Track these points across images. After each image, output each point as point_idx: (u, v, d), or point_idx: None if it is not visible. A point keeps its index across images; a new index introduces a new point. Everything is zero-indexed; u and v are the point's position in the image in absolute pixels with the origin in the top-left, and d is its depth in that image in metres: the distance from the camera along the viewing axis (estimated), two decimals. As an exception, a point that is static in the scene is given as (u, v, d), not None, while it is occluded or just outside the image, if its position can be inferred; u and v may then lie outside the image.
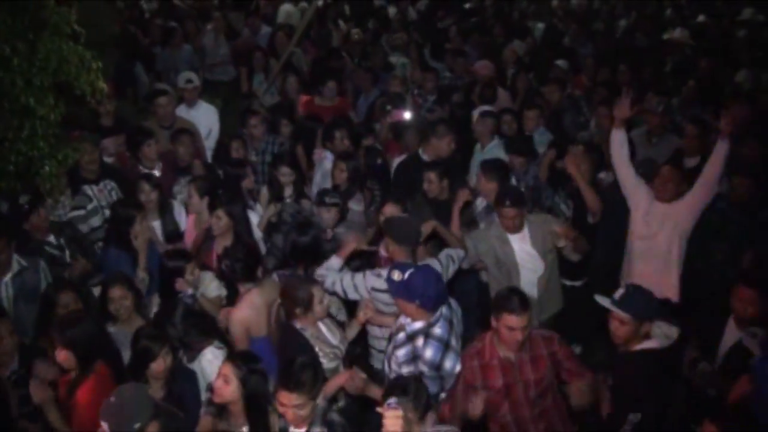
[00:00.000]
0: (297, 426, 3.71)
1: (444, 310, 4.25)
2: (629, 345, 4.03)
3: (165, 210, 6.03)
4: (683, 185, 5.50)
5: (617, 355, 4.14)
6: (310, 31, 11.02)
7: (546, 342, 4.16)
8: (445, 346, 4.15)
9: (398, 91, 8.52)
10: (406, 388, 3.59)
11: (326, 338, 4.50)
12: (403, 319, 4.29)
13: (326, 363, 4.31)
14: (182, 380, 4.23)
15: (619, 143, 5.60)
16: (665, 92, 7.97)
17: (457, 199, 5.47)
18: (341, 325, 4.79)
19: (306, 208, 6.04)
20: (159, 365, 4.01)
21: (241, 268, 4.80)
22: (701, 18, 13.03)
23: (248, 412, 3.74)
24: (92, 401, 3.82)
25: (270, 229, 5.84)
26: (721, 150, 5.23)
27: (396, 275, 4.14)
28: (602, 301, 4.04)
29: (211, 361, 4.36)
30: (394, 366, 4.22)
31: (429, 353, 4.09)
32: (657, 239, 5.46)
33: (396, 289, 4.14)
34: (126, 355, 4.31)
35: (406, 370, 4.12)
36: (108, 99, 6.63)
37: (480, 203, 6.02)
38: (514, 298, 4.00)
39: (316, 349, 4.37)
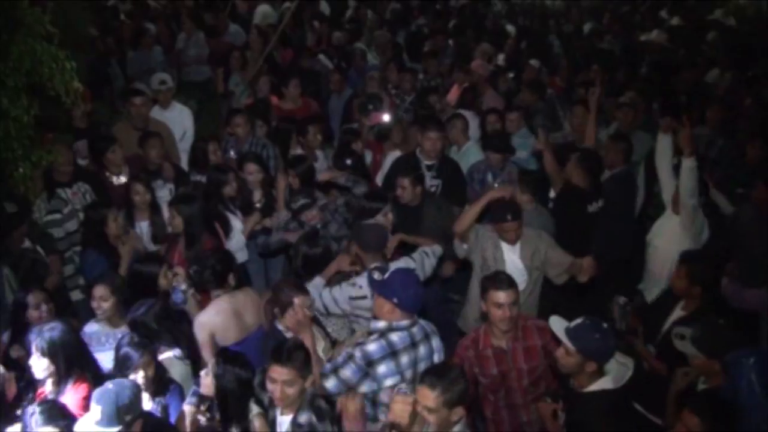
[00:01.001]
0: (285, 410, 3.74)
1: (415, 329, 4.13)
2: (579, 380, 3.83)
3: (154, 211, 5.99)
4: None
5: (572, 394, 3.91)
6: (287, 32, 10.98)
7: (540, 332, 4.25)
8: (392, 353, 4.01)
9: (375, 92, 8.51)
10: (443, 372, 3.45)
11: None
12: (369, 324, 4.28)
13: None
14: (170, 394, 4.20)
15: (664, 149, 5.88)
16: (647, 94, 8.11)
17: (484, 197, 5.44)
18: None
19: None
20: (142, 376, 3.98)
21: (209, 274, 4.73)
22: (675, 20, 13.19)
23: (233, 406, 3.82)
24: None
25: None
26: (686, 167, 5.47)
27: (377, 275, 4.14)
28: (554, 325, 3.87)
29: (176, 361, 4.40)
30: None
31: (371, 347, 3.99)
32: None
33: (376, 287, 4.11)
34: (106, 356, 4.35)
35: (345, 350, 4.09)
36: (82, 100, 6.56)
37: None
38: (500, 276, 4.24)
39: None
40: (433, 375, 3.41)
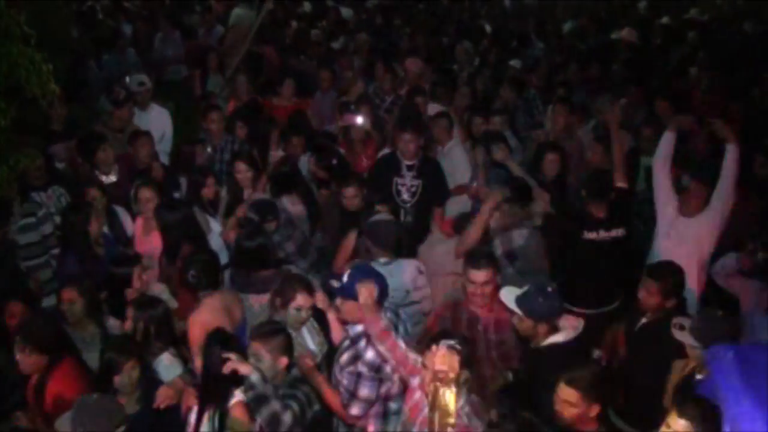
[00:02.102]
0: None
1: (389, 315, 4.23)
2: (536, 340, 4.17)
3: (112, 216, 5.97)
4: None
5: (526, 350, 4.31)
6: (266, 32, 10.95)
7: None
8: None
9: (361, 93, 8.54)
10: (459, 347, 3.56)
11: (304, 339, 4.48)
12: (348, 327, 4.30)
13: None
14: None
15: (667, 143, 5.66)
16: (617, 91, 8.20)
17: (485, 209, 5.39)
18: None
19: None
20: (123, 379, 3.96)
21: (206, 278, 4.75)
22: (665, 19, 13.32)
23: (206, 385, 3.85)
24: (64, 389, 3.98)
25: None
26: (732, 157, 5.40)
27: (335, 282, 4.15)
28: (504, 297, 4.22)
29: (167, 367, 4.35)
30: (337, 373, 4.18)
31: (370, 354, 4.04)
32: (677, 253, 5.33)
33: (344, 293, 4.09)
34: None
35: (347, 371, 4.09)
36: (59, 102, 6.51)
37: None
38: (478, 254, 4.49)
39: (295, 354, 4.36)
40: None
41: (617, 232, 5.57)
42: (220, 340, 3.86)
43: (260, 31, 9.97)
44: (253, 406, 3.72)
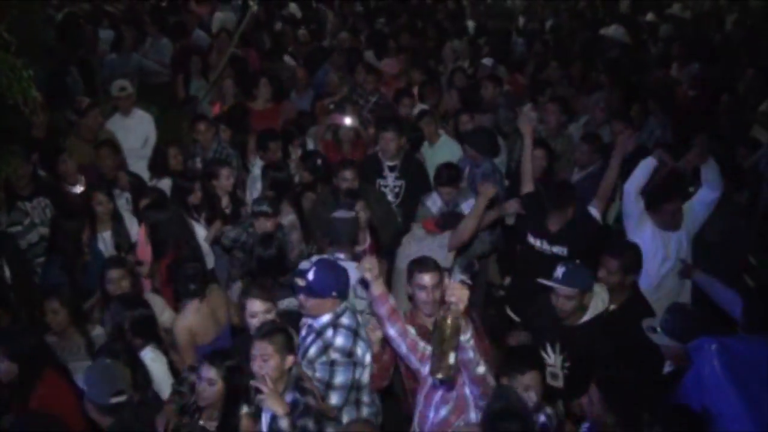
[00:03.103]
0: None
1: (348, 302, 4.32)
2: (573, 319, 4.42)
3: (117, 220, 5.96)
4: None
5: (565, 329, 4.46)
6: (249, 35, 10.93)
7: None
8: (354, 333, 4.17)
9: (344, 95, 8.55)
10: None
11: None
12: (307, 321, 4.30)
13: None
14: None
15: (645, 171, 5.56)
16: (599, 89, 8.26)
17: (480, 203, 5.40)
18: None
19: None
20: None
21: (195, 285, 4.78)
22: (650, 16, 13.40)
23: (227, 406, 3.85)
24: (50, 402, 3.96)
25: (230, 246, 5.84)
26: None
27: (301, 281, 4.12)
28: (545, 281, 4.41)
29: (153, 359, 4.37)
30: (306, 367, 4.16)
31: (340, 340, 4.09)
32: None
33: (312, 291, 4.10)
34: None
35: (319, 363, 4.10)
36: (41, 109, 6.47)
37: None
38: (425, 259, 4.38)
39: None
40: None
41: (559, 250, 5.43)
42: (223, 360, 3.88)
43: (243, 34, 9.93)
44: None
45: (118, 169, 6.61)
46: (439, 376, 3.23)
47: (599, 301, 4.49)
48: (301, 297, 4.17)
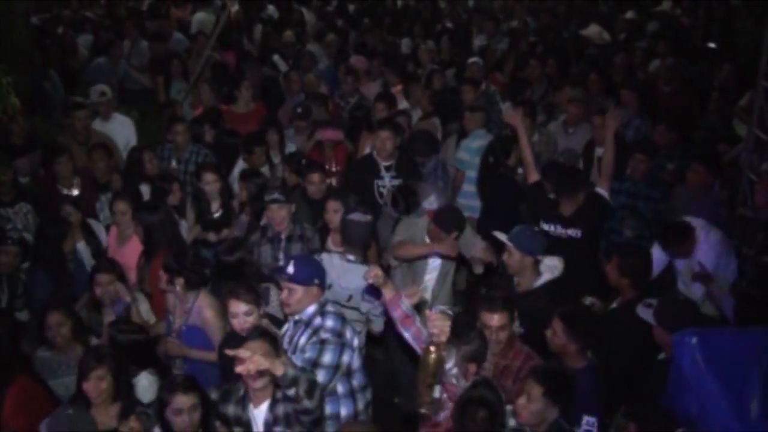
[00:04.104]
0: (257, 401, 3.78)
1: (329, 294, 4.39)
2: (524, 282, 4.75)
3: (88, 231, 5.94)
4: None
5: (517, 294, 4.68)
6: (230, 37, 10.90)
7: (525, 357, 4.22)
8: (341, 317, 4.24)
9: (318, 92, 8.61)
10: (458, 329, 3.63)
11: None
12: (293, 319, 4.28)
13: None
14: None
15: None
16: (579, 84, 8.29)
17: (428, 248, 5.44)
18: None
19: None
20: (91, 386, 3.91)
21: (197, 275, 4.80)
22: (629, 14, 13.46)
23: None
24: (19, 407, 3.94)
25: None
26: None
27: (282, 275, 4.16)
28: (498, 235, 4.80)
29: (146, 388, 4.29)
30: (298, 356, 4.11)
31: (329, 322, 4.12)
32: None
33: (297, 280, 4.11)
34: (59, 383, 4.38)
35: (309, 344, 4.08)
36: (20, 116, 6.44)
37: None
38: (493, 296, 4.28)
39: None
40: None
41: (574, 233, 5.59)
42: (196, 388, 3.79)
43: (222, 36, 9.90)
44: (309, 395, 3.47)
45: (111, 173, 6.58)
46: (423, 410, 3.26)
47: (551, 271, 4.74)
48: (285, 294, 4.18)
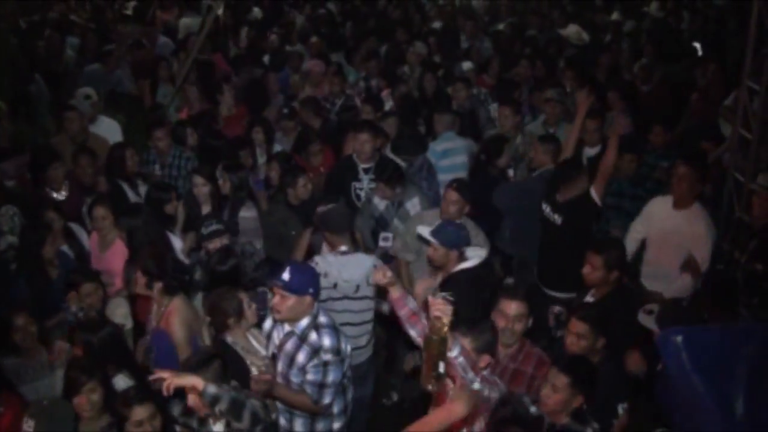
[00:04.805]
0: (215, 419, 3.75)
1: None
2: (447, 268, 4.91)
3: (70, 235, 5.90)
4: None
5: (444, 278, 4.90)
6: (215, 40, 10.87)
7: (537, 363, 4.26)
8: (334, 329, 4.21)
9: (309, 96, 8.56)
10: (474, 324, 3.73)
11: (256, 350, 4.49)
12: (285, 329, 4.27)
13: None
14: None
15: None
16: (559, 84, 8.33)
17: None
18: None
19: None
20: (81, 400, 3.89)
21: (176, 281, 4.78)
22: (615, 15, 13.52)
23: None
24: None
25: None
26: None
27: (277, 282, 4.10)
28: (421, 231, 5.01)
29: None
30: (293, 377, 4.18)
31: (327, 341, 4.11)
32: None
33: (287, 289, 4.08)
34: (27, 389, 4.37)
35: (311, 365, 4.10)
36: (5, 119, 6.40)
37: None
38: (515, 288, 4.82)
39: (248, 362, 4.36)
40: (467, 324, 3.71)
41: (558, 218, 5.81)
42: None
43: (209, 39, 9.86)
44: (233, 415, 3.61)
45: (97, 176, 6.54)
46: (429, 387, 3.26)
47: (473, 261, 4.96)
48: (276, 299, 4.14)
